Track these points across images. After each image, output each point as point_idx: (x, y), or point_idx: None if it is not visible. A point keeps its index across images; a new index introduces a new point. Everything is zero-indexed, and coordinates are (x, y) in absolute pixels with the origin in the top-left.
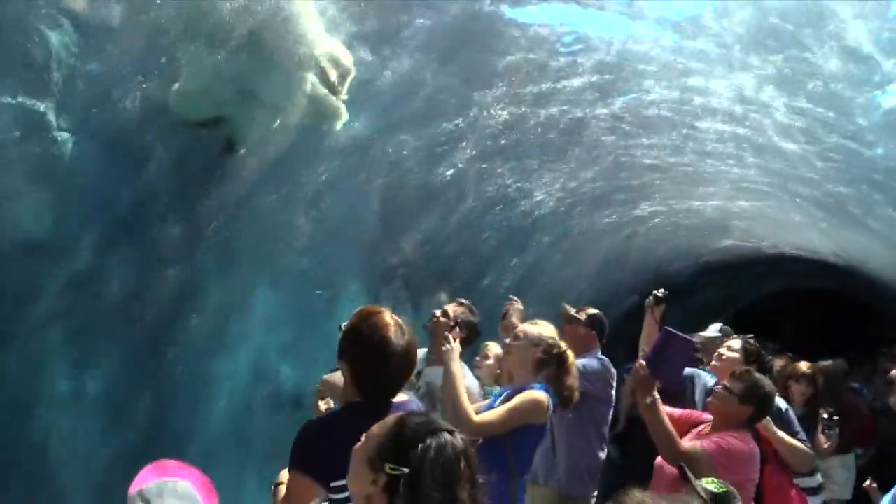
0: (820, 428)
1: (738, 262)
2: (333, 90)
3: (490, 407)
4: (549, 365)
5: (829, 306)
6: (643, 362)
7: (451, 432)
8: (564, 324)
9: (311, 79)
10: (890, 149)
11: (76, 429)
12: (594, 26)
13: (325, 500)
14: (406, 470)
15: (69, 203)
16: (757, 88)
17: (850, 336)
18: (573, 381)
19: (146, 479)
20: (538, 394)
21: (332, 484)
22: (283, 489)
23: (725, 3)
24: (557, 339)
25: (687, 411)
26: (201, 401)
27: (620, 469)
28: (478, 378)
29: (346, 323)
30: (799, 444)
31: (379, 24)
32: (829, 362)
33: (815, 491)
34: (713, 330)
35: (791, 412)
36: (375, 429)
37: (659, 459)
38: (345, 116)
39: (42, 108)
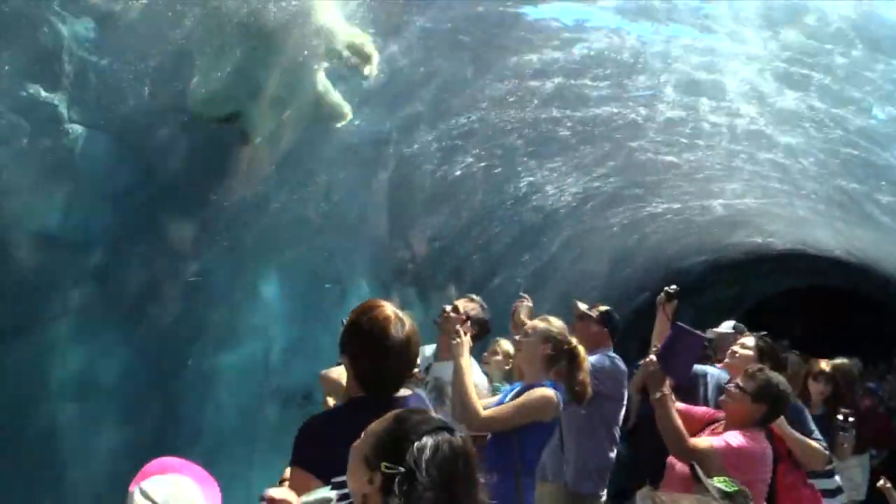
0: (836, 429)
1: (750, 259)
2: (360, 74)
3: (500, 403)
4: (559, 361)
5: (842, 304)
6: (654, 357)
7: (450, 430)
8: (576, 321)
9: (323, 80)
10: None
11: (87, 421)
12: (606, 21)
13: (328, 486)
14: (402, 469)
15: (81, 196)
16: (770, 85)
17: (863, 335)
18: (585, 376)
19: (147, 476)
20: (547, 391)
21: (333, 480)
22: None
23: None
24: (567, 334)
25: (703, 409)
26: (211, 394)
27: (629, 467)
28: (486, 374)
29: (347, 317)
30: (813, 443)
31: (391, 18)
32: (843, 360)
33: (833, 493)
34: (726, 326)
35: (806, 411)
36: (373, 426)
37: (671, 458)
38: (349, 116)
39: (54, 100)
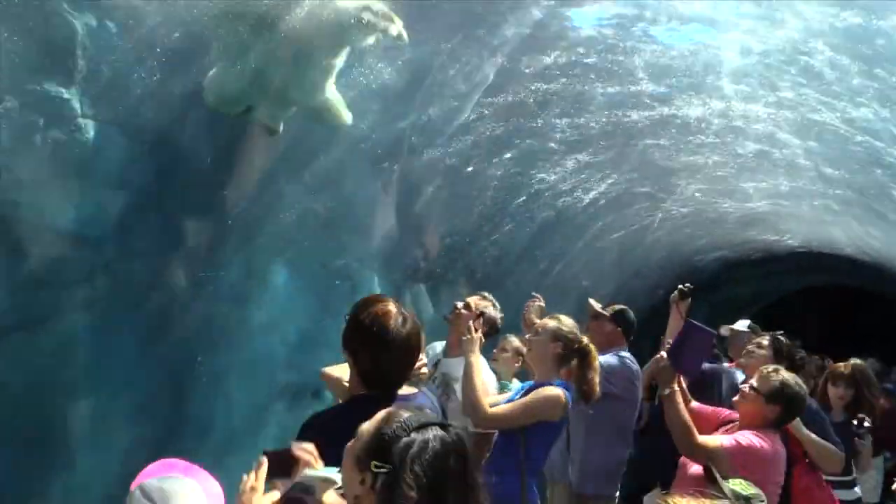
0: (852, 435)
1: (765, 257)
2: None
3: (510, 401)
4: (570, 360)
5: (858, 303)
6: (664, 353)
7: (444, 427)
8: (590, 320)
9: (332, 86)
10: None
11: (98, 417)
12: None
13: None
14: (388, 467)
15: (93, 191)
16: (785, 84)
17: (879, 334)
18: (594, 375)
19: (148, 476)
20: (555, 390)
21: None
22: None
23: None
24: (578, 333)
25: (716, 409)
26: (222, 390)
27: (640, 468)
28: (495, 371)
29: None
30: (829, 445)
31: (405, 7)
32: (860, 361)
33: None
34: (741, 325)
35: (822, 413)
36: (365, 425)
37: (683, 458)
38: (348, 119)
39: (66, 94)
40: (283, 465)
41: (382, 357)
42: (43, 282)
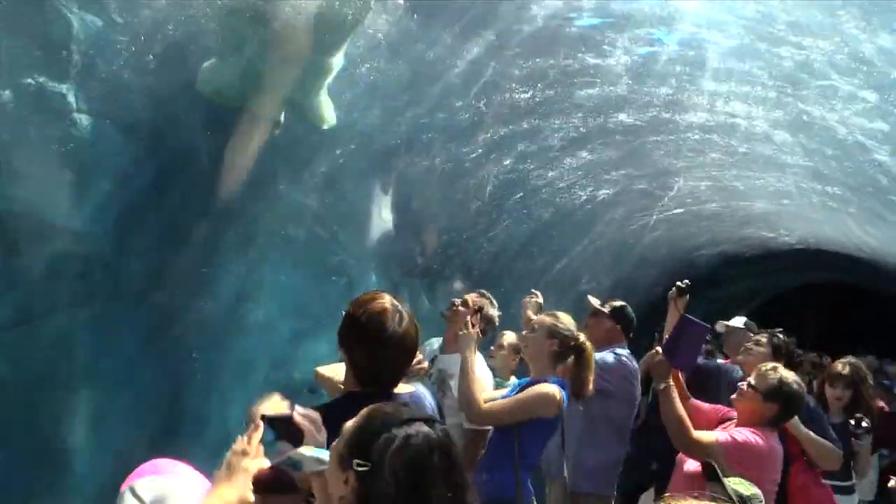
0: (850, 435)
1: (763, 254)
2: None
3: (506, 398)
4: (566, 358)
5: (856, 301)
6: (659, 348)
7: (429, 423)
8: (589, 317)
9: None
10: None
11: (93, 413)
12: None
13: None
14: (368, 465)
15: (88, 186)
16: (785, 81)
17: (877, 331)
18: (587, 373)
19: (139, 477)
20: (550, 388)
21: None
22: None
23: None
24: (575, 330)
25: (715, 406)
26: (217, 386)
27: (635, 464)
28: (491, 368)
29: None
30: (827, 443)
31: (404, 4)
32: (854, 360)
33: None
34: (737, 321)
35: (820, 410)
36: (349, 423)
37: (679, 455)
38: (331, 122)
39: (62, 89)
40: (288, 431)
41: (378, 355)
42: (38, 279)
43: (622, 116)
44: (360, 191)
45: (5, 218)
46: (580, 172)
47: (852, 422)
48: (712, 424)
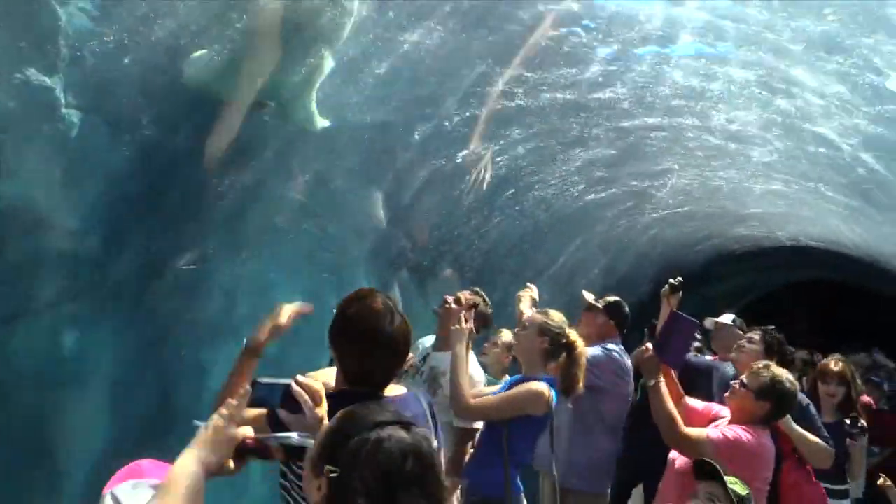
0: (844, 435)
1: (754, 252)
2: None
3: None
4: (557, 355)
5: (845, 298)
6: (649, 344)
7: (405, 426)
8: (583, 312)
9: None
10: None
11: (81, 411)
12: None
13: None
14: (338, 470)
15: (77, 181)
16: (778, 77)
17: (868, 329)
18: (577, 370)
19: (121, 481)
20: (539, 385)
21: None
22: None
23: None
24: (566, 327)
25: (708, 404)
26: (207, 384)
27: (626, 461)
28: (483, 365)
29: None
30: (819, 441)
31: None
32: (840, 357)
33: None
34: (726, 318)
35: (812, 408)
36: (324, 427)
37: (672, 453)
38: (318, 126)
39: (50, 84)
40: (283, 399)
41: (369, 356)
42: (25, 274)
43: (615, 115)
44: (351, 188)
45: None
46: (573, 170)
47: (847, 422)
48: (705, 422)
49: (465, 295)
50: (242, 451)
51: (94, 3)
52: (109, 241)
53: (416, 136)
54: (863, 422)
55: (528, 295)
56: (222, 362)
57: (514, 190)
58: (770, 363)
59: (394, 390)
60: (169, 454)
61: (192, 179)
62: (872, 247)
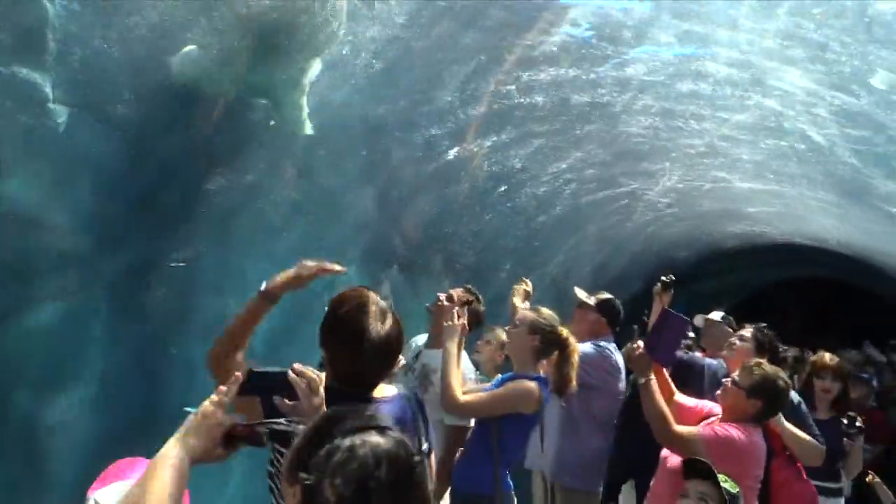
0: (841, 435)
1: (746, 249)
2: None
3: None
4: (548, 353)
5: (837, 296)
6: (640, 342)
7: (381, 431)
8: (576, 309)
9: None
10: None
11: (70, 408)
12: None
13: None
14: (312, 478)
15: (65, 178)
16: (771, 74)
17: (859, 326)
18: (570, 369)
19: (105, 483)
20: (529, 384)
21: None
22: None
23: None
24: (557, 326)
25: (700, 402)
26: (196, 382)
27: (617, 459)
28: (475, 363)
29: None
30: (809, 438)
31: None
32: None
33: None
34: (715, 316)
35: (803, 405)
36: (301, 432)
37: (664, 451)
38: (305, 131)
39: (36, 78)
40: (280, 388)
41: (359, 358)
42: (12, 271)
43: (607, 110)
44: (343, 186)
45: None
46: (564, 166)
47: (845, 421)
48: (696, 420)
49: (457, 292)
50: (232, 438)
51: None
52: (99, 238)
53: (409, 134)
54: (859, 421)
55: (523, 289)
56: None
57: (506, 187)
58: (762, 361)
59: (384, 390)
60: (155, 453)
61: (183, 176)
62: (863, 245)
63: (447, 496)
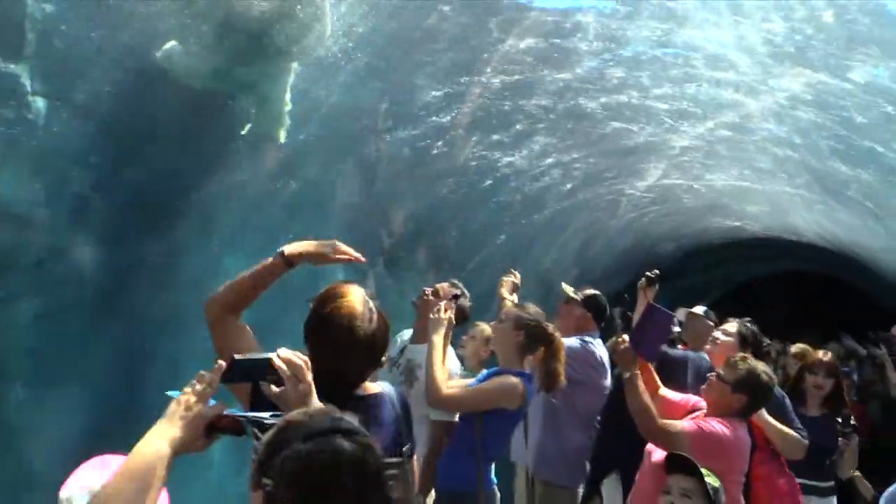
0: (836, 434)
1: (729, 244)
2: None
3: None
4: (533, 349)
5: (820, 290)
6: (625, 336)
7: (347, 435)
8: (562, 304)
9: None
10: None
11: (48, 406)
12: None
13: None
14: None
15: (43, 171)
16: (753, 69)
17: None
18: (558, 365)
19: (79, 480)
20: (513, 380)
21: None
22: None
23: None
24: (542, 321)
25: (685, 396)
26: (178, 379)
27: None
28: (460, 358)
29: (312, 299)
30: (791, 432)
31: None
32: (802, 346)
33: None
34: (698, 310)
35: (787, 399)
36: (263, 439)
37: (649, 445)
38: (283, 138)
39: (15, 70)
40: (262, 374)
41: (343, 357)
42: None
43: (592, 106)
44: (325, 177)
45: None
46: (549, 160)
47: (839, 419)
48: (682, 414)
49: (443, 287)
50: (213, 428)
51: None
52: (77, 232)
53: (393, 126)
54: (853, 420)
55: (511, 280)
56: (192, 356)
57: (491, 181)
58: (747, 356)
59: (367, 388)
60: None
61: (162, 170)
62: (845, 240)
63: (433, 493)
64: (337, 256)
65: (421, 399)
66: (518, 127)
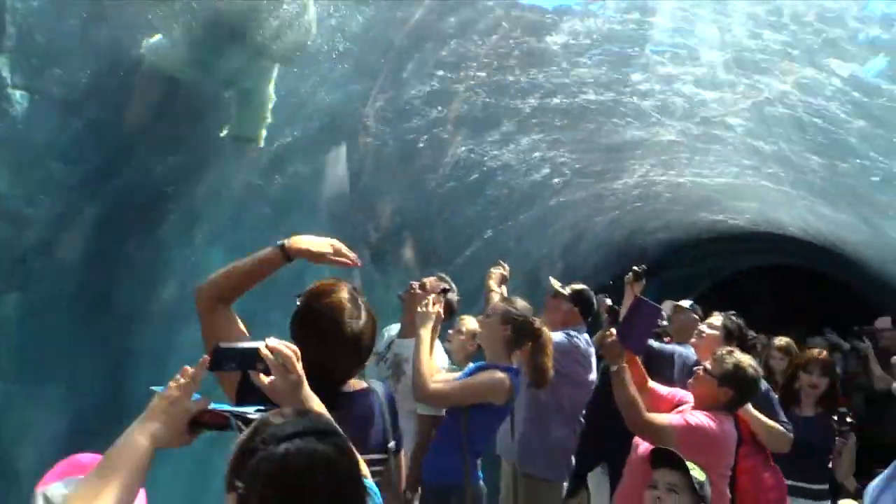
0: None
1: (715, 237)
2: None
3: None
4: (520, 344)
5: (806, 284)
6: (612, 329)
7: (321, 436)
8: (549, 298)
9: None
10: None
11: (32, 403)
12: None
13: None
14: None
15: (24, 165)
16: (738, 63)
17: (827, 314)
18: (546, 360)
19: (57, 475)
20: (500, 375)
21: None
22: None
23: None
24: (530, 316)
25: (672, 390)
26: (163, 374)
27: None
28: (447, 352)
29: (300, 294)
30: (776, 425)
31: None
32: (785, 339)
33: None
34: (684, 303)
35: (772, 392)
36: (238, 439)
37: (636, 438)
38: (257, 143)
39: None
40: (251, 363)
41: (332, 352)
42: None
43: (578, 100)
44: (311, 171)
45: None
46: (536, 154)
47: (835, 418)
48: (669, 408)
49: (430, 281)
50: (197, 423)
51: None
52: (59, 227)
53: (379, 119)
54: (850, 418)
55: (499, 273)
56: (177, 352)
57: (477, 175)
58: (734, 349)
59: (354, 385)
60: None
61: (145, 163)
62: (830, 234)
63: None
64: (335, 258)
65: (408, 394)
66: (505, 122)
